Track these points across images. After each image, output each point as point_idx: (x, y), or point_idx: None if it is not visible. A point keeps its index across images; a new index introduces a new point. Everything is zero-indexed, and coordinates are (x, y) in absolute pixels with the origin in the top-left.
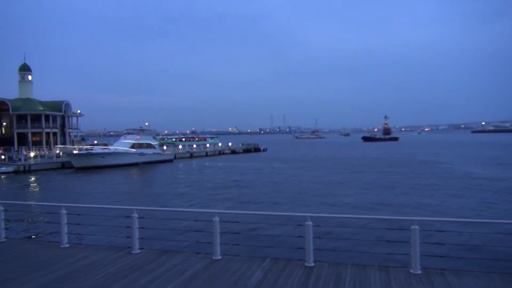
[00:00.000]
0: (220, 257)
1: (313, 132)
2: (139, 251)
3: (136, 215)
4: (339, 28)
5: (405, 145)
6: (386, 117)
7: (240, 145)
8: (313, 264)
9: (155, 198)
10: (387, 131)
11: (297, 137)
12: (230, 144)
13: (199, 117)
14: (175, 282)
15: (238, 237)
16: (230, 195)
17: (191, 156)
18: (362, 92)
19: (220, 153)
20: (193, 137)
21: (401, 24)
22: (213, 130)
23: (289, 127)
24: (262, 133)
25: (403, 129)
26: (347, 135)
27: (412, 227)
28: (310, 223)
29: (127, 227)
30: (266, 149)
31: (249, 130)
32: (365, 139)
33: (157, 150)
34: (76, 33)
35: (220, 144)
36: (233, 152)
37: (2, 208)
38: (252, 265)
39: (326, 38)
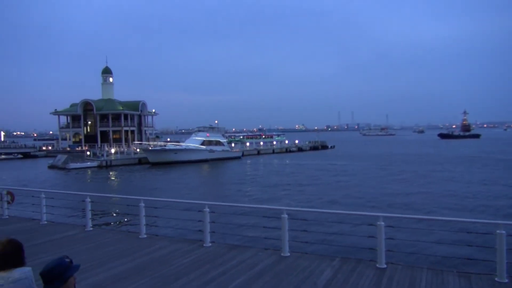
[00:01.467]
0: (289, 254)
1: (382, 129)
2: (210, 244)
3: (207, 209)
4: (410, 19)
5: (490, 143)
6: (465, 112)
7: (307, 142)
8: (385, 266)
9: (225, 194)
10: (466, 127)
11: (364, 134)
12: (296, 141)
13: (266, 115)
14: (245, 276)
15: (307, 235)
16: (299, 192)
17: (258, 153)
18: (437, 86)
19: (287, 150)
20: (260, 135)
21: (481, 11)
22: (280, 127)
23: (358, 124)
24: (329, 130)
25: (485, 125)
26: (421, 132)
27: (498, 231)
28: (382, 223)
29: (199, 221)
30: (334, 146)
31: (316, 128)
32: (442, 136)
33: (226, 147)
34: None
35: (287, 142)
36: (300, 149)
37: (89, 199)
38: (321, 264)
39: (397, 30)
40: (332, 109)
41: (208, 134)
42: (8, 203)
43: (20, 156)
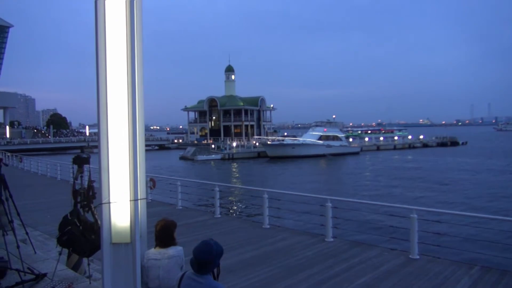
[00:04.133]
0: (418, 256)
1: None
2: (332, 239)
3: (330, 204)
4: None
5: None
6: None
7: (433, 138)
8: None
9: (345, 189)
10: None
11: (500, 129)
12: (421, 136)
13: (385, 109)
14: (370, 275)
15: (439, 238)
16: (428, 191)
17: (378, 149)
18: None
19: (410, 146)
20: (379, 130)
21: None
22: (401, 122)
23: (496, 118)
24: (460, 125)
25: None
26: None
27: None
28: None
29: (321, 215)
30: (466, 142)
31: (443, 122)
32: None
33: (344, 142)
34: (269, 33)
35: (410, 137)
36: (425, 145)
37: (218, 189)
38: (457, 270)
39: None
40: (462, 102)
41: (325, 129)
42: (151, 188)
43: (156, 147)
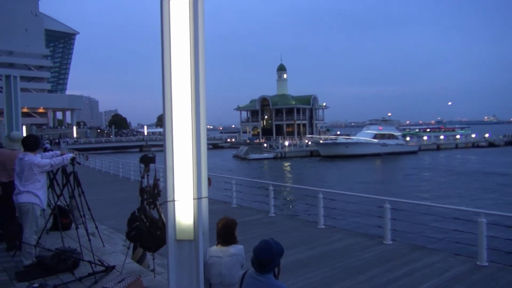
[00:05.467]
0: (487, 263)
1: None
2: (391, 242)
3: (388, 205)
4: None
5: None
6: None
7: (500, 136)
8: None
9: (402, 190)
10: None
11: None
12: (487, 135)
13: (445, 105)
14: (433, 281)
15: (510, 244)
16: (496, 194)
17: (438, 148)
18: None
19: (474, 145)
20: (439, 128)
21: None
22: (464, 119)
23: None
24: None
25: None
26: None
27: None
28: None
29: (379, 216)
30: None
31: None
32: None
33: (400, 141)
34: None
35: (473, 135)
36: (492, 144)
37: (272, 188)
38: None
39: None
40: None
41: (380, 127)
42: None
43: (210, 146)
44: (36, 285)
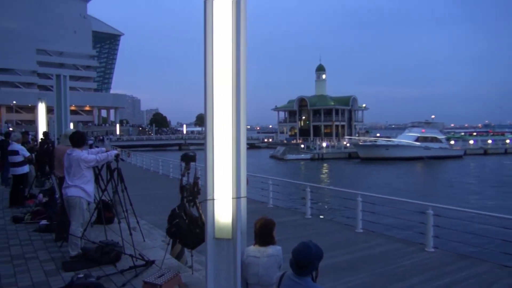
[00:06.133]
0: None
1: None
2: (433, 249)
3: (431, 212)
4: None
5: None
6: None
7: None
8: None
9: (446, 195)
10: None
11: None
12: None
13: (495, 108)
14: None
15: None
16: None
17: (485, 152)
18: None
19: None
20: (487, 131)
21: None
22: None
23: None
24: None
25: None
26: None
27: None
28: None
29: (420, 223)
30: None
31: None
32: None
33: (444, 145)
34: (361, 30)
35: None
36: None
37: (309, 189)
38: None
39: None
40: None
41: (423, 130)
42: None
43: (247, 146)
44: (81, 275)
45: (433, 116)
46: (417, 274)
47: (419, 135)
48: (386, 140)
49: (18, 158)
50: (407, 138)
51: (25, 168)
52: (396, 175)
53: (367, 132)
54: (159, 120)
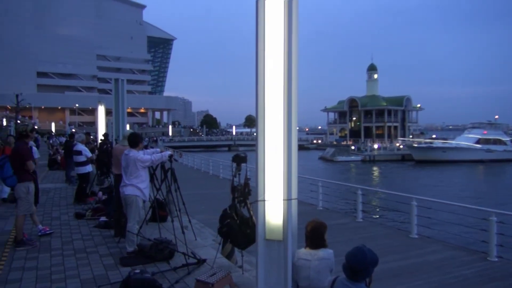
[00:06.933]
0: None
1: None
2: (496, 259)
3: (494, 218)
4: None
5: None
6: None
7: None
8: None
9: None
10: None
11: None
12: None
13: None
14: None
15: None
16: None
17: None
18: None
19: None
20: None
21: None
22: None
23: None
24: None
25: None
26: None
27: None
28: None
29: (482, 230)
30: None
31: None
32: None
33: (509, 147)
34: (414, 28)
35: None
36: None
37: (360, 192)
38: None
39: None
40: None
41: (485, 131)
42: None
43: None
44: (137, 271)
45: (496, 117)
46: (477, 284)
47: (480, 136)
48: (443, 142)
49: (81, 158)
50: (466, 140)
51: (88, 168)
52: (454, 179)
53: (422, 133)
54: (209, 121)
